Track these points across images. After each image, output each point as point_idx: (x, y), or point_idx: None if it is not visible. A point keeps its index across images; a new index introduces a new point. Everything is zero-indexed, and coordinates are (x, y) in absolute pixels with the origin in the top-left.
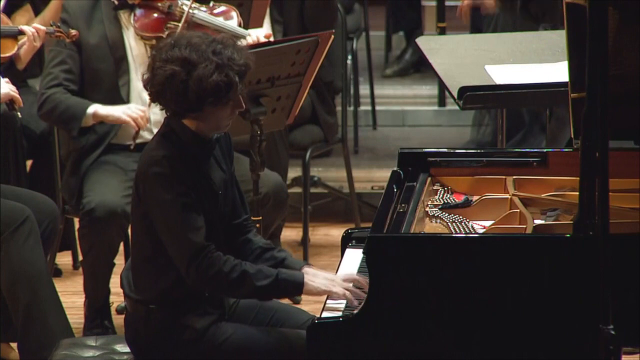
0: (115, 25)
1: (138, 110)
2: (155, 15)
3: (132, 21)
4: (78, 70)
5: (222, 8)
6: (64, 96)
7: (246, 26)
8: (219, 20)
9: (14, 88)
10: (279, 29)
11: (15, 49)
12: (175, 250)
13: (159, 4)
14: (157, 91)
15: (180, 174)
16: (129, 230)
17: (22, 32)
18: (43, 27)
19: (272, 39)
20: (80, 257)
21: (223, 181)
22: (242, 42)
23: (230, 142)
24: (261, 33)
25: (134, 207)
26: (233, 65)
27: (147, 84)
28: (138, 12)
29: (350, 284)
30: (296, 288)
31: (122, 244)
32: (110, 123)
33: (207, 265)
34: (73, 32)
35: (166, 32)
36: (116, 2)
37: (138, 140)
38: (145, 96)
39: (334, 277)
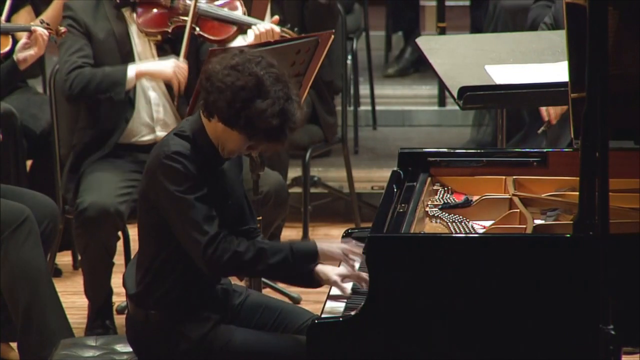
0: (121, 22)
1: (184, 70)
2: (158, 10)
3: (134, 18)
4: (92, 57)
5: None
6: (94, 69)
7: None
8: (225, 11)
9: None
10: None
11: (9, 46)
12: (190, 243)
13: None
14: (217, 87)
15: (191, 169)
16: (130, 229)
17: (28, 30)
18: (40, 29)
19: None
20: (80, 257)
21: (231, 188)
22: (248, 36)
23: (241, 157)
24: (266, 25)
25: (140, 202)
26: (291, 119)
27: (212, 74)
28: (140, 9)
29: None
30: (311, 255)
31: (122, 244)
32: (157, 79)
33: (223, 249)
34: (62, 29)
35: (172, 27)
36: (118, 1)
37: (146, 138)
38: (151, 94)
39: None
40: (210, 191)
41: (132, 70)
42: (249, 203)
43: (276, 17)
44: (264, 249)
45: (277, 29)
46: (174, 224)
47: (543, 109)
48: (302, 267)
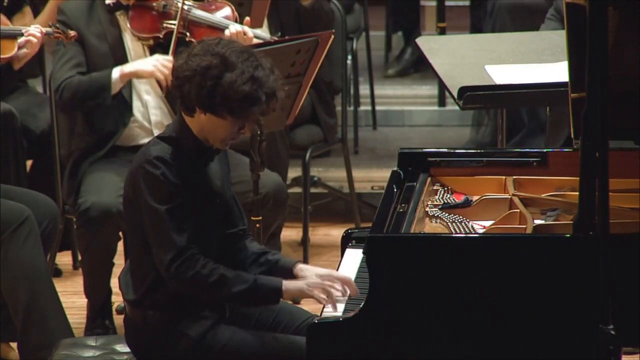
0: (114, 26)
1: (167, 63)
2: (151, 15)
3: (127, 22)
4: (86, 65)
5: (215, 4)
6: (82, 77)
7: (242, 23)
8: (215, 18)
9: None
10: (277, 31)
11: (15, 49)
12: (158, 250)
13: (154, 4)
14: (185, 77)
15: (171, 175)
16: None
17: (24, 34)
18: (43, 29)
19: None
20: (80, 257)
21: (219, 188)
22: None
23: (227, 158)
24: (238, 27)
25: (125, 205)
26: (265, 84)
27: (178, 69)
28: (133, 13)
29: (334, 283)
30: (274, 293)
31: (122, 244)
32: (141, 78)
33: (187, 267)
34: (72, 33)
35: (163, 32)
36: (111, 5)
37: (144, 141)
38: (146, 97)
39: (321, 275)
40: (195, 193)
41: (116, 72)
42: (237, 204)
43: (247, 19)
44: (226, 276)
45: (249, 31)
46: (148, 230)
47: None
48: (265, 302)
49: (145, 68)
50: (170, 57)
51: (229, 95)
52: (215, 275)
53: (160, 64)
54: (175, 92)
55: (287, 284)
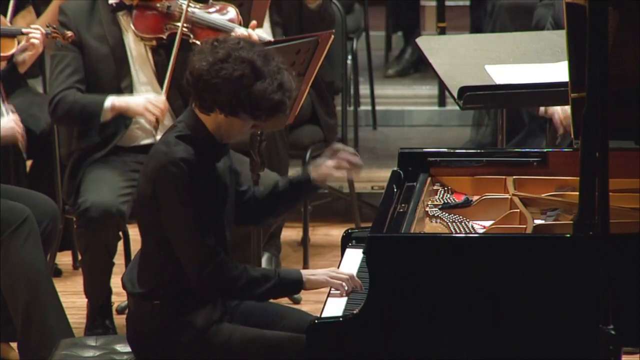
0: (115, 27)
1: (159, 104)
2: (154, 16)
3: (130, 23)
4: (83, 71)
5: (219, 6)
6: (77, 95)
7: (246, 26)
8: (219, 20)
9: (20, 126)
10: (279, 31)
11: (15, 48)
12: (186, 254)
13: (158, 5)
14: (213, 84)
15: (196, 177)
16: (130, 229)
17: (24, 33)
18: (42, 29)
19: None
20: (80, 257)
21: (229, 184)
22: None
23: (228, 149)
24: (243, 30)
25: (143, 204)
26: (289, 90)
27: (200, 72)
28: (136, 13)
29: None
30: (296, 284)
31: (122, 244)
32: (130, 116)
33: (218, 272)
34: (69, 33)
35: (166, 33)
36: (114, 4)
37: (145, 142)
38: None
39: (332, 271)
40: (212, 191)
41: (108, 102)
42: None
43: (254, 22)
44: (254, 277)
45: (254, 35)
46: (172, 233)
47: (557, 121)
48: (289, 294)
49: (136, 107)
50: (162, 98)
51: (259, 104)
52: (243, 278)
53: (152, 104)
54: (193, 92)
55: (307, 276)
